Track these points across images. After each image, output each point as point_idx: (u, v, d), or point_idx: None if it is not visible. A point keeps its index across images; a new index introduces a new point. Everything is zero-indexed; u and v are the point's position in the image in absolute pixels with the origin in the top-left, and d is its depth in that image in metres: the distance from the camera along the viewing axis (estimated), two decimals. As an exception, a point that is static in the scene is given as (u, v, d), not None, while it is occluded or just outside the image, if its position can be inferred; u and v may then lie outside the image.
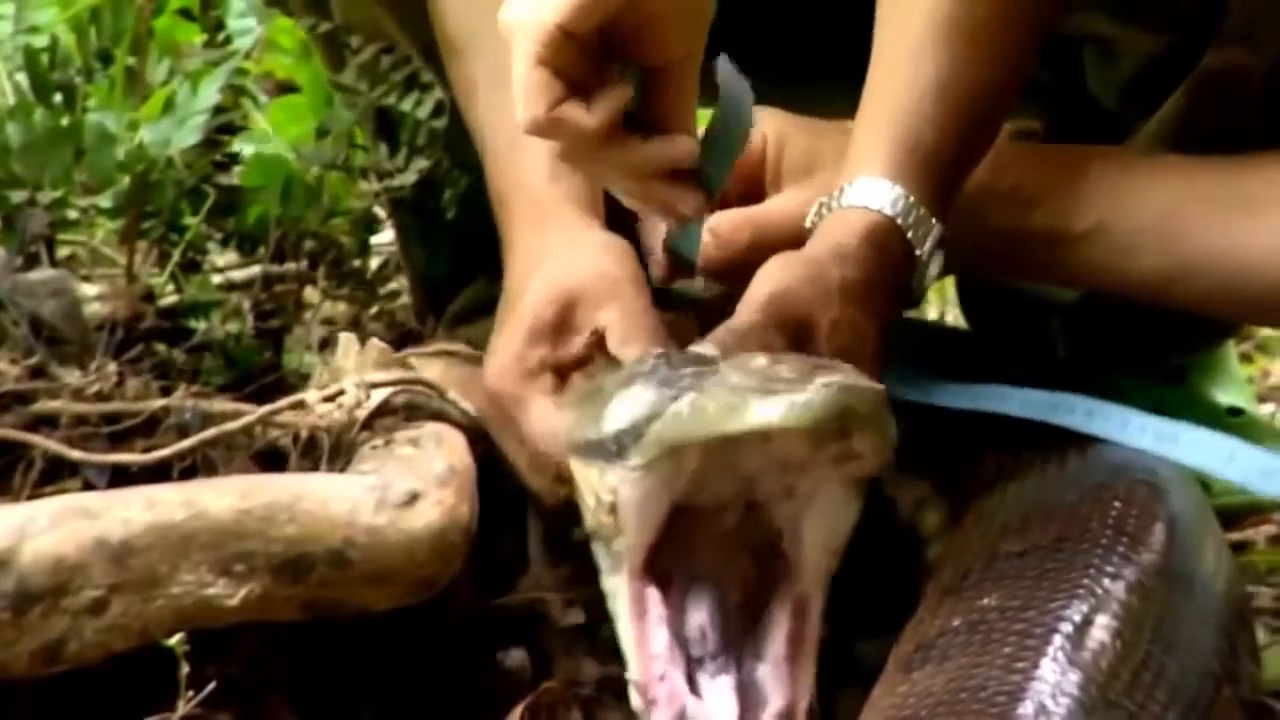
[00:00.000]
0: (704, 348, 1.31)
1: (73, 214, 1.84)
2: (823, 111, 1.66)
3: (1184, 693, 1.19)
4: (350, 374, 1.54)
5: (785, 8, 1.89)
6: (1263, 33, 1.57)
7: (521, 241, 1.54)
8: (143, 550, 1.30)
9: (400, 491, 1.38)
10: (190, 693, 1.26)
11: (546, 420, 1.44)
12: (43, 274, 1.74)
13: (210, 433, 1.45)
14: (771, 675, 1.19)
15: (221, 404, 1.54)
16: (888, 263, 1.44)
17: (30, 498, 1.41)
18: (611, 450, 1.21)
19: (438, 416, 1.52)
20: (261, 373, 1.77)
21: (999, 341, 1.97)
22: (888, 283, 1.45)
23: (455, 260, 1.96)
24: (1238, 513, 1.93)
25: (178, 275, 1.90)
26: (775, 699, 1.18)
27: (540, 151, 1.51)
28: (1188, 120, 1.65)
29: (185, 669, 1.26)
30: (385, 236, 2.17)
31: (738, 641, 1.21)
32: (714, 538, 1.23)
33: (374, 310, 1.97)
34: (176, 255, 1.88)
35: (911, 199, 1.44)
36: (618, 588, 1.23)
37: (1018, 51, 1.52)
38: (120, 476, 1.43)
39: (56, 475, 1.45)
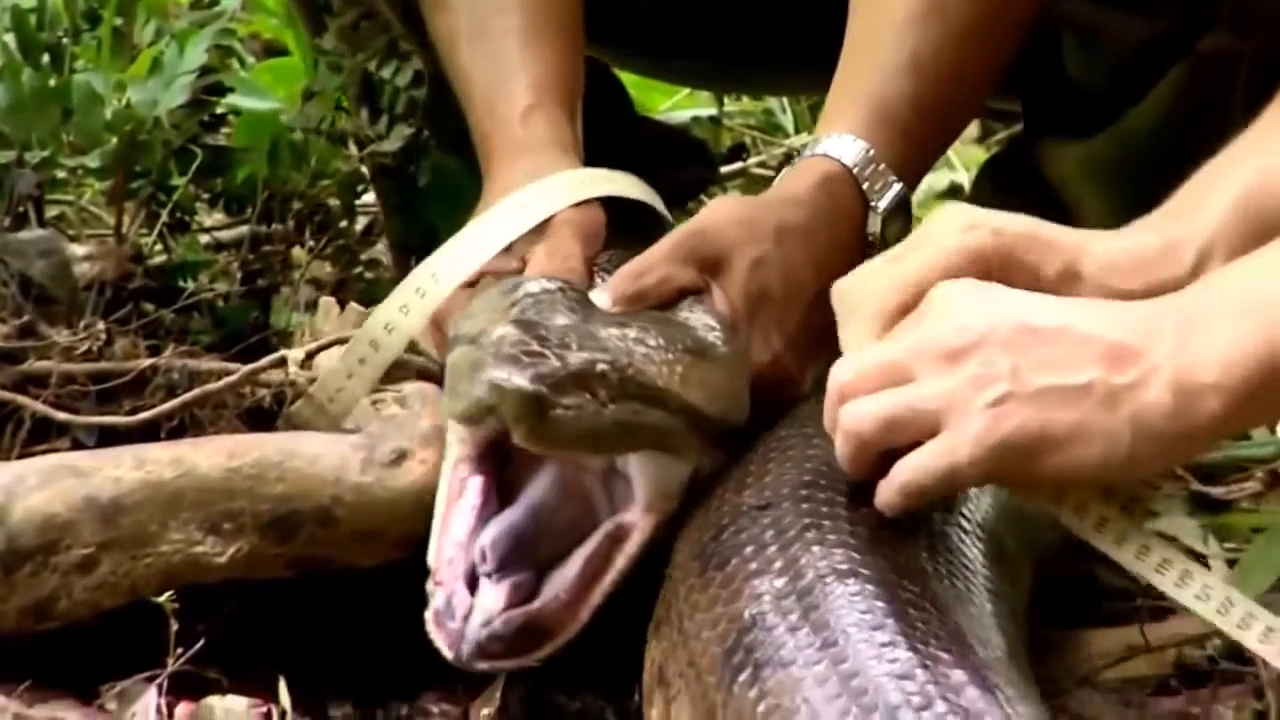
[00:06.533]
0: (600, 287, 1.41)
1: (61, 174, 1.84)
2: (797, 94, 1.67)
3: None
4: (329, 335, 1.55)
5: None
6: (1258, 16, 1.58)
7: (497, 175, 1.59)
8: (132, 509, 1.31)
9: (387, 450, 1.39)
10: (179, 650, 1.28)
11: None
12: (31, 234, 1.74)
13: (195, 393, 1.46)
14: (557, 579, 1.26)
15: (209, 363, 1.55)
16: (838, 210, 1.47)
17: (20, 456, 1.42)
18: None
19: (424, 376, 1.53)
20: (249, 332, 1.78)
21: None
22: (835, 230, 1.48)
23: (431, 230, 1.97)
24: (1219, 470, 1.92)
25: (166, 235, 1.91)
26: (545, 595, 1.25)
27: (518, 97, 1.59)
28: (1178, 103, 1.66)
29: (174, 626, 1.27)
30: (372, 197, 2.18)
31: (543, 557, 1.28)
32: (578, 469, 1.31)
33: (358, 271, 1.98)
34: (165, 215, 1.88)
35: (873, 153, 1.47)
36: (448, 472, 1.33)
37: (999, 43, 1.55)
38: (109, 435, 1.44)
39: (46, 434, 1.46)
